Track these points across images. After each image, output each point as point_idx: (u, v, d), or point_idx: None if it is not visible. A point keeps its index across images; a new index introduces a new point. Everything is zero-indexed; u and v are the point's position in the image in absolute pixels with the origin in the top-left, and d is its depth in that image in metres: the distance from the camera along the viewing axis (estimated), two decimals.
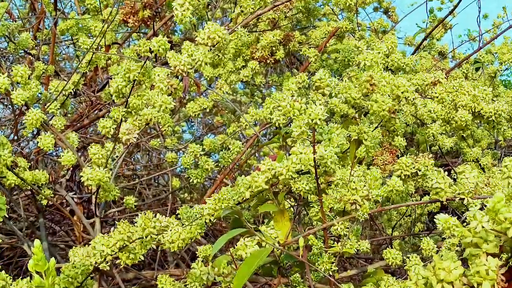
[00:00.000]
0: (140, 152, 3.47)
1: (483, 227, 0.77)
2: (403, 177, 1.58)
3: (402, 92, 1.32)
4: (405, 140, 2.05)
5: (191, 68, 1.46)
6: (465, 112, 1.54)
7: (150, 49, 1.50)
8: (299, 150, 1.34)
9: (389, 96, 1.33)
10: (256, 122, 2.05)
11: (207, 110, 2.19)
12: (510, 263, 0.80)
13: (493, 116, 1.52)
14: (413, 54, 2.54)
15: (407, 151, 2.71)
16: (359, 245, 1.57)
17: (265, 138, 3.63)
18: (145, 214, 1.21)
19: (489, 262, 0.78)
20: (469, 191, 1.17)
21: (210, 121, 4.23)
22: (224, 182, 2.40)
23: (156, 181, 3.41)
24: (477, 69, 2.42)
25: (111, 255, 1.28)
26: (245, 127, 2.37)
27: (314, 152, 1.24)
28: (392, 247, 2.31)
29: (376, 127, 1.48)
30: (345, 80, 1.41)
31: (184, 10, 1.41)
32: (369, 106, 1.34)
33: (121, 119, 1.57)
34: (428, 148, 2.51)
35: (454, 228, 0.82)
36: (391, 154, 1.86)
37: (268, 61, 2.23)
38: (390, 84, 1.32)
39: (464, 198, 1.17)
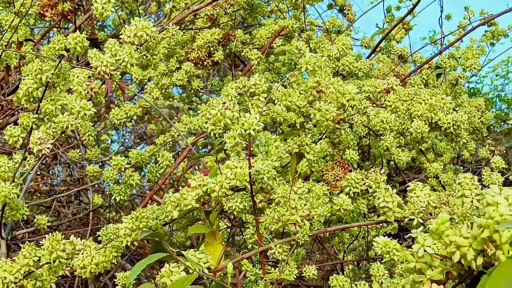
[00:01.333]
0: (59, 165, 3.41)
1: (425, 251, 0.79)
2: (352, 195, 1.60)
3: (348, 100, 1.34)
4: (358, 154, 2.08)
5: (114, 70, 1.45)
6: (421, 123, 1.57)
7: (65, 46, 1.48)
8: (234, 164, 1.34)
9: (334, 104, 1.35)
10: (191, 131, 2.05)
11: (135, 117, 2.18)
12: None
13: (451, 128, 1.55)
14: (368, 57, 2.58)
15: (362, 165, 2.75)
16: (304, 271, 1.58)
17: (206, 149, 3.61)
18: (53, 235, 1.19)
19: None
20: (419, 211, 1.19)
21: (142, 130, 4.20)
22: (155, 199, 2.38)
23: (78, 198, 3.36)
24: (438, 76, 2.47)
25: (15, 283, 1.26)
26: (177, 137, 2.36)
27: (250, 167, 1.24)
28: (343, 273, 2.33)
29: (320, 139, 1.49)
30: (286, 86, 1.42)
31: (105, 3, 1.40)
32: (312, 115, 1.35)
33: (32, 126, 1.54)
34: (387, 163, 2.55)
35: (394, 252, 0.84)
36: (343, 169, 1.88)
37: (205, 63, 2.23)
38: (337, 91, 1.33)
39: (413, 219, 1.19)
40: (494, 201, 0.75)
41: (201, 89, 2.57)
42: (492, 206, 0.75)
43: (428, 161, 2.33)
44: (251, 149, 1.26)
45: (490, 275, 0.63)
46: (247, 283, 1.44)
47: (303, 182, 1.46)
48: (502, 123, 5.41)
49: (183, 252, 1.26)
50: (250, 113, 1.12)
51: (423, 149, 2.13)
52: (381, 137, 1.94)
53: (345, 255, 2.61)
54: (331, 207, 1.51)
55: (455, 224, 1.08)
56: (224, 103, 1.16)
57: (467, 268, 0.79)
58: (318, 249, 2.97)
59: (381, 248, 0.85)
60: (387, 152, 2.07)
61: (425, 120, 1.58)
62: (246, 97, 1.73)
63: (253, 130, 1.12)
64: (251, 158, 1.23)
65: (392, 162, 2.70)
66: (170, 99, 3.61)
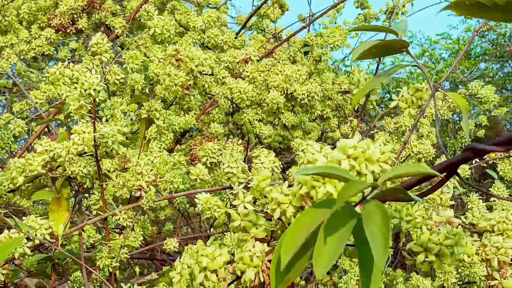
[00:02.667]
0: None
1: (245, 207, 0.79)
2: (209, 165, 1.59)
3: (197, 66, 1.32)
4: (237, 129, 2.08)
5: None
6: (277, 93, 1.58)
7: None
8: (82, 129, 1.30)
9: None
10: (49, 99, 1.97)
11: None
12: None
13: (306, 99, 1.57)
14: (238, 33, 2.58)
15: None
16: (165, 243, 1.56)
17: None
18: None
19: (255, 248, 0.79)
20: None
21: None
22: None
23: None
24: (306, 53, 2.50)
25: None
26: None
27: (95, 130, 1.20)
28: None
29: (171, 105, 1.47)
30: (133, 48, 1.39)
31: None
32: (161, 80, 1.33)
33: None
34: (255, 137, 2.56)
35: (215, 209, 0.83)
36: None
37: (69, 30, 2.15)
38: (185, 56, 1.31)
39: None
40: (313, 159, 0.76)
41: (68, 58, 2.48)
42: (312, 163, 0.75)
43: (292, 137, 2.36)
44: (97, 113, 1.22)
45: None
46: (98, 252, 1.41)
47: (160, 151, 1.44)
48: (378, 107, 5.60)
49: (24, 218, 1.21)
50: (91, 73, 1.09)
51: (287, 124, 2.14)
52: (243, 109, 1.95)
53: (211, 228, 2.61)
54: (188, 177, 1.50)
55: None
56: (64, 61, 1.12)
57: (287, 226, 0.80)
58: (185, 224, 2.96)
59: (202, 204, 0.84)
60: (250, 125, 2.08)
61: (281, 91, 1.60)
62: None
63: (94, 90, 1.08)
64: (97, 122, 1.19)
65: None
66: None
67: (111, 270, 1.26)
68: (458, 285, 1.53)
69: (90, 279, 1.40)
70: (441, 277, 1.47)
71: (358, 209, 0.62)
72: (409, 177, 0.72)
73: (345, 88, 2.39)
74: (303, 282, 3.45)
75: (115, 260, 1.25)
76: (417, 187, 0.75)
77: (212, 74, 1.64)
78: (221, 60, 1.65)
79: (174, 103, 1.49)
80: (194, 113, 2.06)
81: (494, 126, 5.26)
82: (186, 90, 1.32)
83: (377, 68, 1.65)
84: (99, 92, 1.08)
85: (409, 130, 1.85)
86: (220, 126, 2.14)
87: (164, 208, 2.94)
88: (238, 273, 0.80)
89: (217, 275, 0.81)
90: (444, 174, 0.70)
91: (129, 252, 1.39)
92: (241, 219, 0.82)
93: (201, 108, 2.09)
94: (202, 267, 0.81)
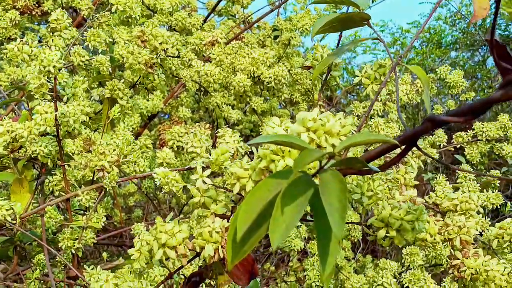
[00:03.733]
0: None
1: (204, 182, 0.77)
2: (175, 149, 1.58)
3: (161, 43, 1.30)
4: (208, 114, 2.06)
5: None
6: (243, 76, 1.57)
7: None
8: (44, 109, 1.27)
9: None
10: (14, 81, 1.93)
11: None
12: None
13: (272, 82, 1.56)
14: (207, 18, 2.55)
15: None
16: (133, 228, 1.54)
17: None
18: None
19: (214, 224, 0.78)
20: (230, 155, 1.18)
21: None
22: None
23: None
24: (276, 38, 2.49)
25: None
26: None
27: (56, 109, 1.18)
28: None
29: (134, 85, 1.45)
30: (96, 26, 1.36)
31: None
32: (125, 58, 1.30)
33: None
34: (228, 124, 2.55)
35: (173, 183, 0.82)
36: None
37: (34, 13, 2.11)
38: (149, 34, 1.29)
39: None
40: (273, 132, 0.75)
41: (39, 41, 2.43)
42: None
43: (262, 122, 2.35)
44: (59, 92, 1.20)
45: None
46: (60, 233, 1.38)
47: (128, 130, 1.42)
48: (349, 95, 5.60)
49: None
50: (50, 49, 1.06)
51: (256, 109, 2.13)
52: (210, 93, 1.93)
53: (181, 214, 2.60)
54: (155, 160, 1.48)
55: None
56: (40, 43, 1.09)
57: None
58: (155, 210, 2.94)
59: (160, 179, 0.83)
60: (219, 109, 2.07)
61: (247, 74, 1.58)
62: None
63: (53, 67, 1.06)
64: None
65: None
66: None
67: (73, 251, 1.24)
68: (425, 267, 1.54)
69: (54, 262, 1.37)
70: (407, 259, 1.47)
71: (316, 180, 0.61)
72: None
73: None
74: (273, 268, 3.45)
75: (77, 242, 1.23)
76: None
77: (178, 57, 1.62)
78: (188, 43, 1.63)
79: (138, 83, 1.46)
80: (163, 97, 2.04)
81: None
82: (150, 68, 1.30)
83: (339, 42, 1.64)
84: (59, 69, 1.05)
85: (377, 114, 1.84)
86: (189, 110, 2.12)
87: (133, 194, 2.91)
88: (198, 249, 0.78)
89: (176, 252, 0.80)
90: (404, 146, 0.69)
91: (97, 237, 1.37)
92: (200, 195, 0.80)
93: (169, 91, 2.07)
94: (161, 243, 0.79)
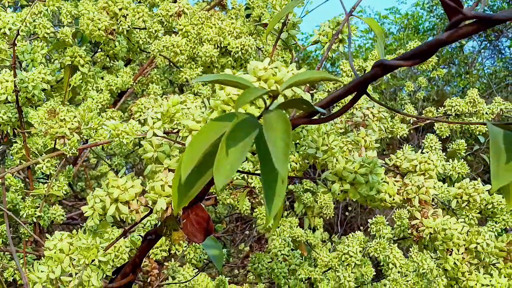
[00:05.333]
0: None
1: (155, 134, 0.77)
2: (142, 121, 1.56)
3: (120, 9, 1.29)
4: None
5: None
6: (210, 46, 1.56)
7: None
8: (5, 78, 1.26)
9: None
10: None
11: None
12: None
13: (239, 52, 1.55)
14: None
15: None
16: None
17: None
18: None
19: (167, 177, 0.77)
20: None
21: None
22: None
23: None
24: (248, 16, 2.48)
25: None
26: None
27: (15, 75, 1.16)
28: None
29: (96, 52, 1.44)
30: None
31: None
32: (83, 26, 1.29)
33: None
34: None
35: (123, 135, 0.81)
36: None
37: None
38: (112, 1, 1.28)
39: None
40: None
41: None
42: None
43: None
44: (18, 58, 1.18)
45: None
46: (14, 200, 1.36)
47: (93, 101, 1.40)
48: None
49: None
50: (6, 12, 1.04)
51: None
52: (180, 69, 1.92)
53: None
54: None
55: None
56: None
57: None
58: None
59: (110, 131, 0.82)
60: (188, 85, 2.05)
61: (214, 44, 1.57)
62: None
63: (9, 29, 1.04)
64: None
65: None
66: None
67: (35, 220, 1.23)
68: (394, 240, 1.54)
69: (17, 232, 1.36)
70: (373, 228, 1.48)
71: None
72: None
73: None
74: (247, 248, 3.45)
75: (39, 210, 1.22)
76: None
77: (145, 28, 1.60)
78: (155, 15, 1.62)
79: (99, 50, 1.45)
80: (133, 73, 2.02)
81: (441, 99, 5.33)
82: (111, 35, 1.29)
83: None
84: (17, 34, 1.03)
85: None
86: (159, 87, 2.11)
87: (105, 174, 2.90)
88: (150, 203, 0.78)
89: (129, 207, 0.79)
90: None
91: (66, 215, 1.36)
92: (154, 150, 0.79)
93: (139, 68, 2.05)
94: (113, 198, 0.78)
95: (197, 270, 1.65)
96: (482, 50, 6.82)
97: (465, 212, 1.05)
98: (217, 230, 3.13)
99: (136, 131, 0.81)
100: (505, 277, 0.99)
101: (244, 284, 1.71)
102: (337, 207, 4.29)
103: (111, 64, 1.76)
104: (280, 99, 0.64)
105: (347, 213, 4.13)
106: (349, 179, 0.79)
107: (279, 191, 0.58)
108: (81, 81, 1.23)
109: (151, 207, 0.78)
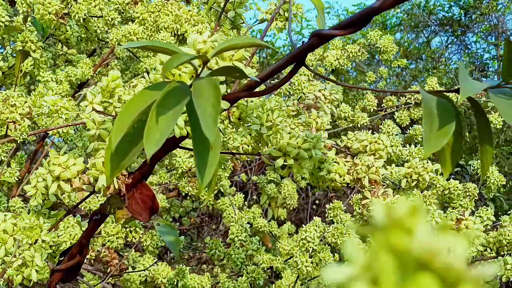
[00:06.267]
0: None
1: (95, 109, 0.76)
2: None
3: None
4: None
5: None
6: (167, 34, 1.55)
7: None
8: None
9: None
10: None
11: None
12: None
13: None
14: None
15: None
16: None
17: None
18: None
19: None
20: None
21: None
22: None
23: None
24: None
25: None
26: None
27: None
28: None
29: (47, 38, 1.42)
30: None
31: None
32: (35, 9, 1.27)
33: None
34: None
35: (63, 111, 0.80)
36: None
37: None
38: None
39: None
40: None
41: None
42: (163, 61, 0.73)
43: None
44: None
45: None
46: None
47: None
48: None
49: None
50: None
51: None
52: (139, 59, 1.90)
53: None
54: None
55: None
56: None
57: None
58: None
59: (49, 107, 0.80)
60: (148, 75, 2.03)
61: (171, 32, 1.56)
62: None
63: None
64: None
65: None
66: None
67: None
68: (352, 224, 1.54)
69: None
70: (330, 213, 1.48)
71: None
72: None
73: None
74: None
75: None
76: None
77: (102, 16, 1.59)
78: (111, 2, 1.60)
79: (51, 35, 1.43)
80: (94, 65, 2.00)
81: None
82: (61, 19, 1.27)
83: None
84: None
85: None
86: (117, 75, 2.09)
87: None
88: (92, 180, 0.77)
89: (71, 185, 0.78)
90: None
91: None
92: (96, 128, 0.78)
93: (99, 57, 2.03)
94: (54, 176, 0.77)
95: (157, 259, 1.64)
96: (449, 45, 6.88)
97: (414, 191, 1.06)
98: (184, 223, 3.12)
99: (65, 96, 0.80)
100: None
101: (206, 273, 1.70)
102: (306, 202, 4.30)
103: (66, 52, 1.73)
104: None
105: (314, 207, 4.14)
106: (292, 154, 0.79)
107: (211, 160, 0.58)
108: (32, 66, 1.22)
109: (93, 185, 0.78)
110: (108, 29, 1.62)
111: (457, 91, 0.61)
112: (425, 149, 0.59)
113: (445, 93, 0.64)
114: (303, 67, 0.68)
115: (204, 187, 0.58)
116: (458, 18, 6.52)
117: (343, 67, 2.03)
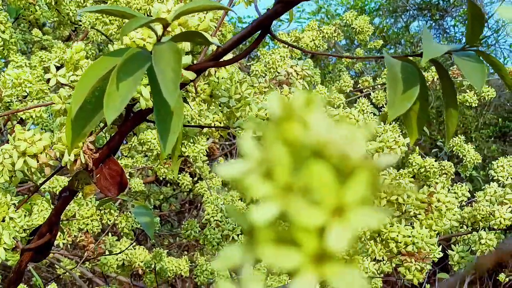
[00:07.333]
0: None
1: (59, 82, 0.75)
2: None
3: None
4: None
5: None
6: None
7: None
8: None
9: None
10: None
11: None
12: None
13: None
14: None
15: None
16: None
17: None
18: None
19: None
20: None
21: None
22: None
23: None
24: None
25: None
26: None
27: None
28: None
29: (17, 18, 1.40)
30: None
31: None
32: None
33: None
34: None
35: (26, 84, 0.79)
36: None
37: None
38: None
39: None
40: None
41: None
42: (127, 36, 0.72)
43: None
44: None
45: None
46: None
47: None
48: None
49: None
50: None
51: None
52: (114, 42, 1.88)
53: None
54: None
55: None
56: None
57: None
58: None
59: (12, 80, 0.79)
60: None
61: (144, 13, 1.55)
62: None
63: None
64: None
65: None
66: None
67: None
68: None
69: None
70: None
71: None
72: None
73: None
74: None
75: None
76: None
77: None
78: None
79: (20, 16, 1.41)
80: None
81: None
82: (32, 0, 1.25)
83: None
84: None
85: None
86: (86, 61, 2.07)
87: None
88: (58, 154, 0.76)
89: (38, 161, 0.77)
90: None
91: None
92: (62, 102, 0.77)
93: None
94: (20, 152, 0.76)
95: (134, 243, 1.63)
96: (428, 30, 6.90)
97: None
98: (163, 209, 3.11)
99: (39, 80, 0.79)
100: (426, 228, 1.00)
101: (184, 256, 1.70)
102: None
103: (41, 37, 1.71)
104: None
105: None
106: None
107: (174, 127, 0.57)
108: (2, 48, 1.20)
109: (60, 159, 0.76)
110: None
111: (421, 55, 0.60)
112: (389, 112, 0.58)
113: (409, 58, 0.63)
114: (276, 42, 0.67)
115: (167, 154, 0.57)
116: (437, 2, 6.54)
117: (318, 48, 2.03)
